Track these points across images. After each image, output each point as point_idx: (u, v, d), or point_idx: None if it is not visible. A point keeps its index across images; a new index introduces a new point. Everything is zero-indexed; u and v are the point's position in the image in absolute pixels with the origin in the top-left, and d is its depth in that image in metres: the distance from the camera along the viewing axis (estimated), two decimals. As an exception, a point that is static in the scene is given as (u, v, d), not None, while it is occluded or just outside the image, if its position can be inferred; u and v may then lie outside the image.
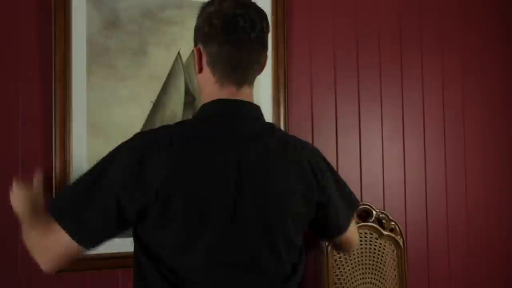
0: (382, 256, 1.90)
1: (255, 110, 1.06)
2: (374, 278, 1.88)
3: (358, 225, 1.85)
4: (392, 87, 2.09)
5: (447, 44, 2.20)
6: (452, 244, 2.15)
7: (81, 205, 0.94)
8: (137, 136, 1.01)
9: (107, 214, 0.93)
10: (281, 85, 1.86)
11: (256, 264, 0.98)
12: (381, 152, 2.06)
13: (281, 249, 1.01)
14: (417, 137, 2.12)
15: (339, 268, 1.84)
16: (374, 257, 1.89)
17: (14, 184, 1.13)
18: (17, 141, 1.58)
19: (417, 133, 2.13)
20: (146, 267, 0.96)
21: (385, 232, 1.91)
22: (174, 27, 1.75)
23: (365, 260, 1.88)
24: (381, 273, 1.89)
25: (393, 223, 1.94)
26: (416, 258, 2.06)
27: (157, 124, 1.68)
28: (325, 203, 1.09)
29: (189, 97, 1.75)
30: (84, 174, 0.98)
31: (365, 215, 1.92)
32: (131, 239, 1.02)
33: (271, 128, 1.08)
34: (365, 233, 1.90)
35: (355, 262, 1.86)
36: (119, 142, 1.01)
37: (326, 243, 1.78)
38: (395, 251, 1.93)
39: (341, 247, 1.32)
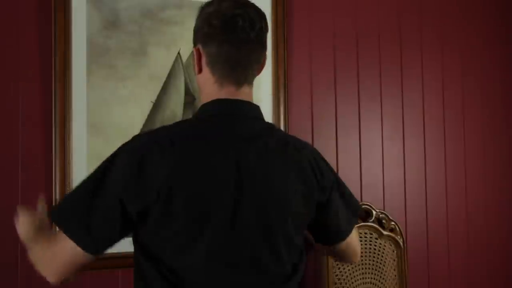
0: (382, 256, 1.90)
1: (255, 109, 1.06)
2: (374, 278, 1.88)
3: (358, 225, 1.84)
4: (392, 87, 2.09)
5: (447, 44, 2.20)
6: (452, 244, 2.15)
7: (85, 210, 0.93)
8: (136, 137, 1.01)
9: (111, 216, 0.93)
10: (281, 85, 1.86)
11: (256, 264, 0.98)
12: (381, 152, 2.06)
13: (281, 249, 1.01)
14: (417, 137, 2.12)
15: (339, 268, 1.84)
16: (374, 257, 1.89)
17: (18, 210, 1.11)
18: (17, 141, 1.58)
19: (417, 133, 2.13)
20: (146, 267, 0.96)
21: (385, 232, 1.91)
22: (174, 27, 1.75)
23: (365, 260, 1.88)
24: (381, 273, 1.89)
25: (393, 223, 1.94)
26: (416, 258, 2.06)
27: (157, 124, 1.68)
28: (325, 203, 1.09)
29: (189, 97, 1.75)
30: (84, 180, 0.97)
31: (365, 215, 1.92)
32: (131, 239, 1.02)
33: (271, 128, 1.08)
34: (365, 233, 1.90)
35: (355, 262, 1.86)
36: (119, 142, 1.01)
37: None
38: (395, 251, 1.93)
39: (343, 257, 1.24)
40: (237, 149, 0.98)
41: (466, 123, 2.21)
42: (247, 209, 0.97)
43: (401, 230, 1.94)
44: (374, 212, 1.92)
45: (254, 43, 1.03)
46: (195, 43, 1.07)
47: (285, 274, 1.03)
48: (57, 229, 0.97)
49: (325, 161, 1.13)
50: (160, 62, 1.73)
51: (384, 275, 1.89)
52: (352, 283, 1.85)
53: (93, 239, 0.94)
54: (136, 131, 1.66)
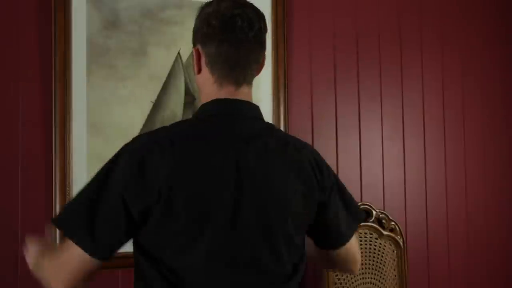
0: (382, 256, 1.90)
1: (254, 109, 1.06)
2: (374, 278, 1.88)
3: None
4: (392, 87, 2.09)
5: (447, 44, 2.20)
6: (452, 244, 2.14)
7: (89, 215, 0.93)
8: (136, 138, 1.01)
9: (116, 216, 0.92)
10: (281, 85, 1.86)
11: (256, 264, 0.98)
12: (381, 152, 2.06)
13: (282, 249, 1.01)
14: (417, 137, 2.12)
15: (339, 268, 1.84)
16: (374, 257, 1.89)
17: (27, 241, 1.10)
18: (17, 141, 1.58)
19: (417, 133, 2.13)
20: (146, 267, 0.96)
21: (385, 232, 1.91)
22: (174, 27, 1.75)
23: (365, 260, 1.88)
24: (381, 273, 1.89)
25: (393, 223, 1.94)
26: (416, 258, 2.06)
27: (157, 124, 1.68)
28: (326, 203, 1.09)
29: (189, 97, 1.75)
30: (86, 184, 0.97)
31: (365, 215, 1.92)
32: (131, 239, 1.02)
33: (271, 128, 1.08)
34: (365, 233, 1.90)
35: (355, 262, 1.86)
36: (119, 142, 1.01)
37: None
38: (395, 251, 1.93)
39: (343, 265, 1.21)
40: (237, 149, 0.98)
41: (466, 123, 2.21)
42: (247, 209, 0.97)
43: (401, 230, 1.94)
44: (374, 212, 1.92)
45: (253, 43, 1.03)
46: (194, 44, 1.07)
47: (285, 274, 1.03)
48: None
49: (325, 162, 1.13)
50: (160, 62, 1.73)
51: (384, 275, 1.89)
52: (352, 283, 1.85)
53: (100, 244, 0.93)
54: (136, 131, 1.66)
